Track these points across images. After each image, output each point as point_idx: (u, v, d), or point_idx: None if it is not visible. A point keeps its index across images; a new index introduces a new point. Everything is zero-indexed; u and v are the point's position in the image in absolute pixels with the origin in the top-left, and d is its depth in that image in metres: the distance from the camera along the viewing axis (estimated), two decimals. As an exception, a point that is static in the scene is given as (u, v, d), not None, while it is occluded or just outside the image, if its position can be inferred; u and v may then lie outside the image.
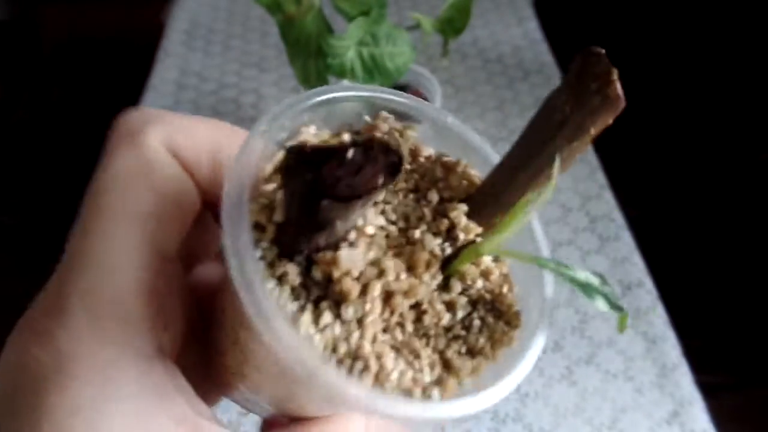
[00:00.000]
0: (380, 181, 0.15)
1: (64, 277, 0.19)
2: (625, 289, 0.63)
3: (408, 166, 0.20)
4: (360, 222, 0.18)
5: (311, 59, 0.52)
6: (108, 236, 0.19)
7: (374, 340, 0.17)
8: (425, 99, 0.70)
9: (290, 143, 0.18)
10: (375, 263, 0.17)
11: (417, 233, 0.19)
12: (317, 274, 0.17)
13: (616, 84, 0.16)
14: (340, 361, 0.16)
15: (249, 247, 0.16)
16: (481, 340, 0.18)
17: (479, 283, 0.19)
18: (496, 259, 0.20)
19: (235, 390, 0.23)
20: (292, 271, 0.17)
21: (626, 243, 0.67)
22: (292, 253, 0.17)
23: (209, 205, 0.22)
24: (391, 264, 0.17)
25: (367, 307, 0.17)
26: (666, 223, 1.41)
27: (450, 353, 0.18)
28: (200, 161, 0.21)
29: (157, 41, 0.94)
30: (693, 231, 1.41)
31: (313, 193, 0.15)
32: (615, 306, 0.17)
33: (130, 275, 0.18)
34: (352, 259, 0.17)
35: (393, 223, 0.19)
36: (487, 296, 0.19)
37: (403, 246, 0.18)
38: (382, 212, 0.19)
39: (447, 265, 0.19)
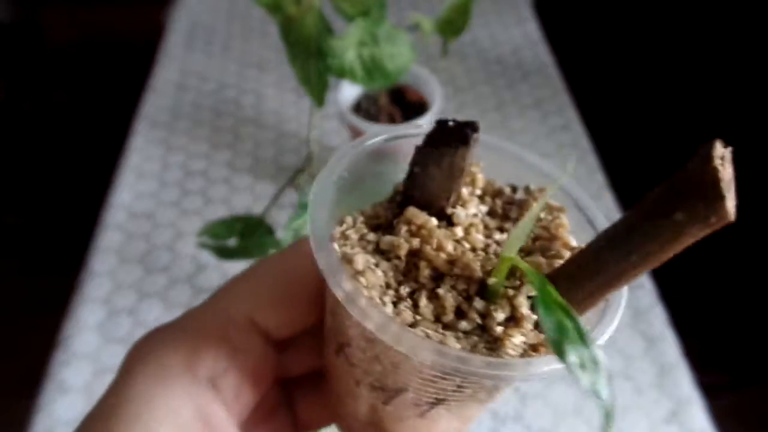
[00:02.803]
0: (451, 143, 0.18)
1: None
2: (625, 289, 0.63)
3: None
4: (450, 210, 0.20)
5: (311, 59, 0.52)
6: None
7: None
8: (424, 100, 0.70)
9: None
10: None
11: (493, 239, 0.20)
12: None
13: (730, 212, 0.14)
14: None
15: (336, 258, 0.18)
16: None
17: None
18: None
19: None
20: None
21: (626, 243, 0.67)
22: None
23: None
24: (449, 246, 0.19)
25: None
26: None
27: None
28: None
29: (157, 42, 0.94)
30: (693, 231, 1.41)
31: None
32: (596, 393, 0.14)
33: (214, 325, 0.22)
34: (416, 213, 0.19)
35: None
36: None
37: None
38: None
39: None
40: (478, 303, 0.18)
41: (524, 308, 0.18)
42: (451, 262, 0.18)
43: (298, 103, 0.84)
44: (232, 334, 0.21)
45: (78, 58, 1.86)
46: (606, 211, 0.70)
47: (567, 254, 0.19)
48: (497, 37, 0.97)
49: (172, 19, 0.99)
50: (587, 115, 0.85)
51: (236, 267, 0.64)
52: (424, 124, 0.22)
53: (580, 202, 0.21)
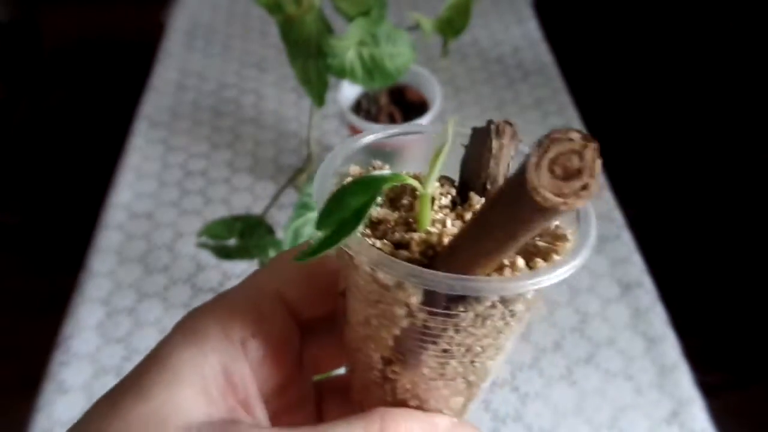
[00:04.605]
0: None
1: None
2: (625, 289, 0.63)
3: None
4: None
5: (311, 59, 0.52)
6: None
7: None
8: (424, 100, 0.70)
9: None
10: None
11: None
12: None
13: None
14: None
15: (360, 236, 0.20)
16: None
17: None
18: None
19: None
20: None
21: (626, 243, 0.68)
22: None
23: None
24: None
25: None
26: (665, 222, 1.41)
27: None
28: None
29: (157, 42, 0.94)
30: (692, 230, 1.41)
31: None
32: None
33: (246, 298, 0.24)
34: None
35: None
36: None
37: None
38: None
39: None
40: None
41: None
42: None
43: (298, 103, 0.84)
44: (261, 303, 0.23)
45: (77, 58, 1.86)
46: (607, 211, 0.70)
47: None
48: (497, 37, 0.97)
49: (172, 19, 0.99)
50: (587, 115, 0.85)
51: (236, 267, 0.64)
52: (424, 124, 0.23)
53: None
